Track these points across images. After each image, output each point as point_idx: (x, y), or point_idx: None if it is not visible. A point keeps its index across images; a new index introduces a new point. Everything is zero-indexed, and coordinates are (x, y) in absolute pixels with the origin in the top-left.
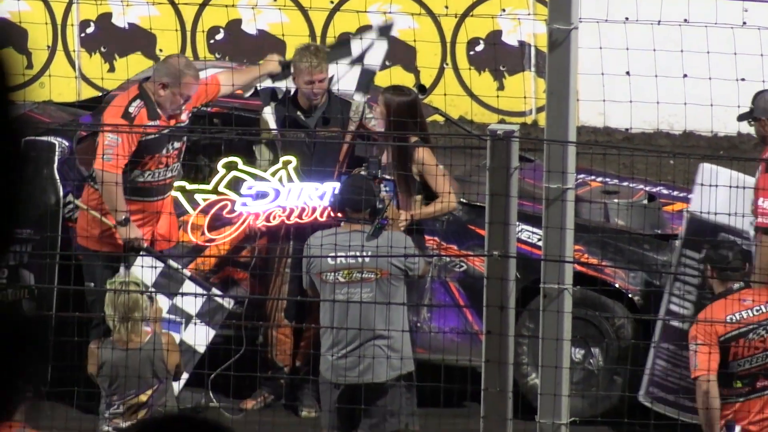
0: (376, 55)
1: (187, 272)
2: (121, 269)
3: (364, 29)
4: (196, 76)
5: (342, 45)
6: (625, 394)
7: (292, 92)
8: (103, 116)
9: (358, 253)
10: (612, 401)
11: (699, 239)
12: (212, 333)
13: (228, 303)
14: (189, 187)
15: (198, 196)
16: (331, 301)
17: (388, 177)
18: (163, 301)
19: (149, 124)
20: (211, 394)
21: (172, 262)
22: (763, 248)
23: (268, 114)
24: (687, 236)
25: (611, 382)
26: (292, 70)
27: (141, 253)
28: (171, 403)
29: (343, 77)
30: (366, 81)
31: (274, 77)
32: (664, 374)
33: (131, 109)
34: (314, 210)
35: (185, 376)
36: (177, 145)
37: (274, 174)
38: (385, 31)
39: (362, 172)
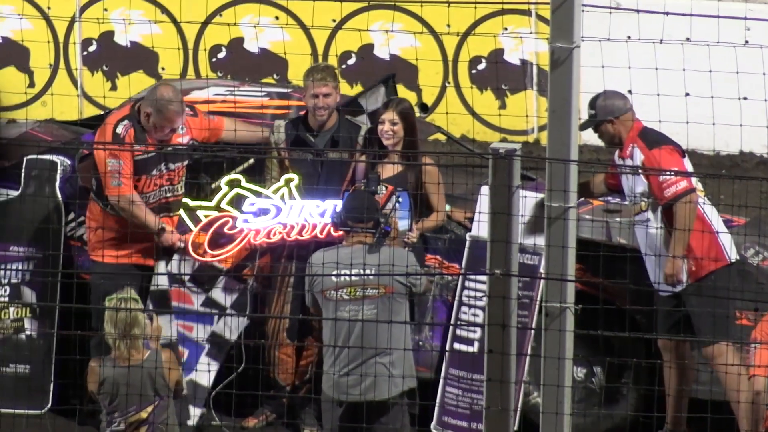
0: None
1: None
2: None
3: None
4: (179, 110)
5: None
6: (627, 413)
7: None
8: (97, 133)
9: (361, 271)
10: (614, 420)
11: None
12: (242, 325)
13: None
14: (191, 203)
15: (200, 213)
16: (336, 319)
17: (401, 189)
18: (196, 296)
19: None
20: (213, 412)
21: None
22: (679, 217)
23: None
24: (469, 260)
25: (613, 401)
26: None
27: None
28: (172, 420)
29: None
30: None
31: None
32: (455, 401)
33: (119, 130)
34: (314, 227)
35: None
36: (173, 166)
37: (276, 191)
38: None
39: (362, 188)
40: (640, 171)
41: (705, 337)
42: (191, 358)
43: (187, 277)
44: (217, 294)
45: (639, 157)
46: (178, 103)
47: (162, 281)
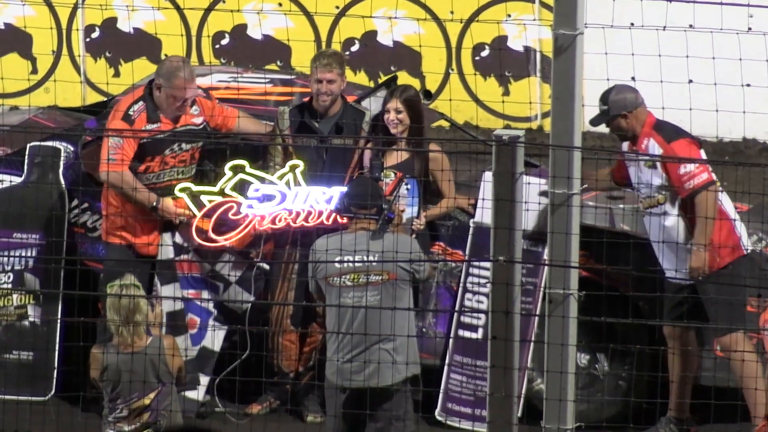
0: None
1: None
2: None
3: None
4: (190, 77)
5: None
6: (630, 399)
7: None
8: (108, 119)
9: (365, 257)
10: (617, 406)
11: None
12: (251, 297)
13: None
14: (195, 188)
15: (204, 198)
16: (339, 306)
17: (410, 177)
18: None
19: (147, 128)
20: (216, 399)
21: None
22: (701, 209)
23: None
24: (473, 247)
25: (616, 387)
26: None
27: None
28: (175, 407)
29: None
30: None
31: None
32: (460, 388)
33: (131, 112)
34: (320, 214)
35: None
36: (187, 147)
37: (281, 178)
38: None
39: (365, 174)
40: (651, 161)
41: (722, 326)
42: (202, 323)
43: (190, 253)
44: (222, 269)
45: (657, 151)
46: (188, 71)
47: (167, 251)
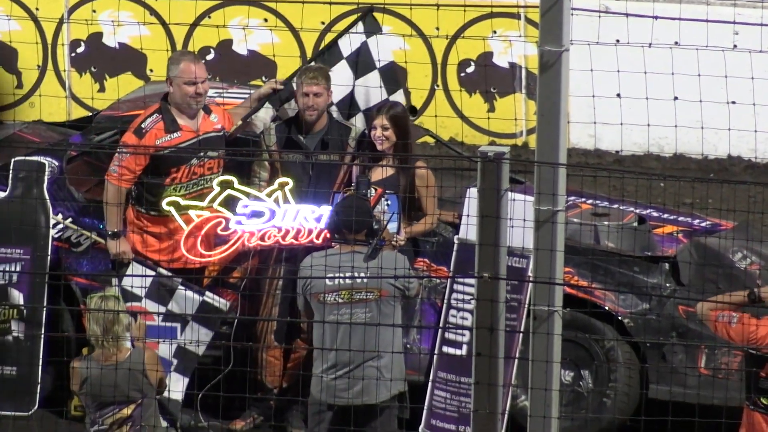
0: (376, 50)
1: (178, 279)
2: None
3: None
4: (192, 59)
5: (330, 49)
6: (614, 417)
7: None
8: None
9: (357, 274)
10: (601, 424)
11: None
12: (210, 335)
13: (223, 305)
14: (183, 202)
15: (192, 213)
16: (330, 322)
17: (390, 192)
18: (156, 309)
19: (166, 139)
20: (200, 414)
21: (162, 270)
22: None
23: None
24: (457, 263)
25: (601, 405)
26: (294, 88)
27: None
28: (156, 421)
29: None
30: (393, 77)
31: (267, 98)
32: (444, 404)
33: (144, 125)
34: (310, 232)
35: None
36: (212, 153)
37: (269, 195)
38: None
39: (352, 192)
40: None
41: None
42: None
43: (144, 291)
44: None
45: None
46: (191, 56)
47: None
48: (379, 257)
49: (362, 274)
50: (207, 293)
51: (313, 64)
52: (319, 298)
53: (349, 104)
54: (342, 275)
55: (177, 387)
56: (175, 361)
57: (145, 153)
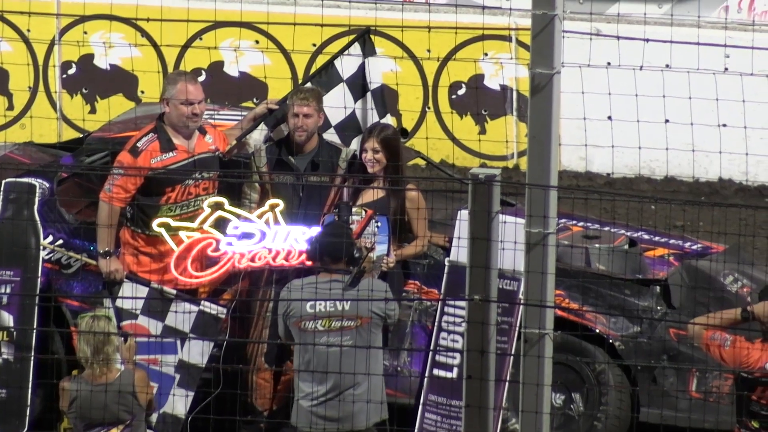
0: (373, 71)
1: (173, 290)
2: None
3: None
4: (189, 80)
5: (327, 70)
6: None
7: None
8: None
9: (337, 302)
10: None
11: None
12: (209, 347)
13: (221, 312)
14: (173, 224)
15: (183, 234)
16: (301, 343)
17: (380, 214)
18: (153, 325)
19: (161, 158)
20: None
21: (154, 284)
22: None
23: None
24: (448, 286)
25: (592, 428)
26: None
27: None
28: None
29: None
30: (382, 101)
31: (263, 118)
32: (434, 427)
33: (139, 144)
34: (300, 253)
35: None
36: (208, 175)
37: (260, 216)
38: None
39: (334, 216)
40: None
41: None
42: (164, 388)
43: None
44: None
45: None
46: (185, 74)
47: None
48: (363, 285)
49: (344, 302)
50: (203, 302)
51: (305, 86)
52: (300, 325)
53: (349, 126)
54: (323, 301)
55: (180, 402)
56: (177, 376)
57: (137, 174)
